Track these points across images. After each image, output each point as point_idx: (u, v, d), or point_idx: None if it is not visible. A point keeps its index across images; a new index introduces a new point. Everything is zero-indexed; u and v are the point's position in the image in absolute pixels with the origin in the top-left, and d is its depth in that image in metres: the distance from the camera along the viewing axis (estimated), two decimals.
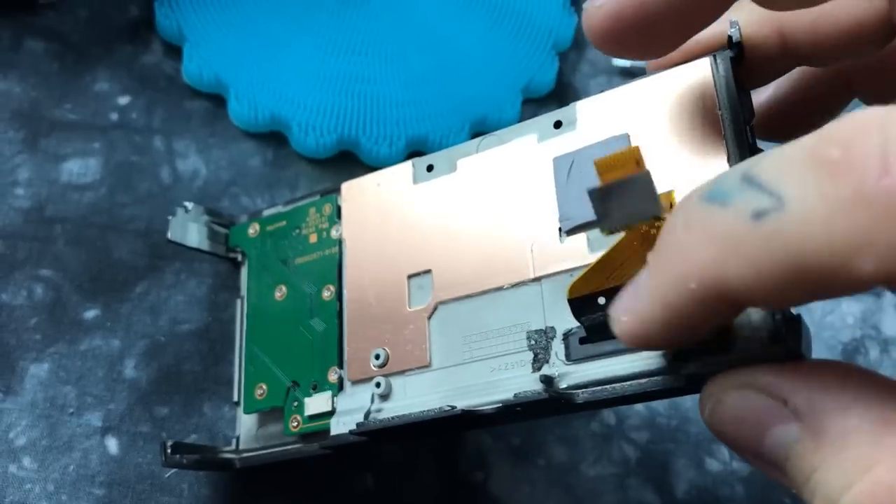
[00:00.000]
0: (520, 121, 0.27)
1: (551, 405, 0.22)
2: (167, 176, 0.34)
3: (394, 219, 0.27)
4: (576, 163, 0.22)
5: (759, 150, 0.21)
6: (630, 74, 0.40)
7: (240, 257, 0.31)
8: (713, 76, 0.22)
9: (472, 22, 0.38)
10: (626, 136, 0.22)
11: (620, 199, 0.18)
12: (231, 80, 0.35)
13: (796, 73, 0.24)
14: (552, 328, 0.23)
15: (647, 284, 0.17)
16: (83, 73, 0.35)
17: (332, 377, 0.26)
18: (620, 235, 0.21)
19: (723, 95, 0.22)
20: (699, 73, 0.23)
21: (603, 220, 0.19)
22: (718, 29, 0.22)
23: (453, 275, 0.25)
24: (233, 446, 0.28)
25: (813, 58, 0.22)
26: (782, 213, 0.14)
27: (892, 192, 0.13)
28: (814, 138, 0.14)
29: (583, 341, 0.22)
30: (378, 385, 0.25)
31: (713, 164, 0.22)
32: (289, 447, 0.27)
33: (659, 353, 0.21)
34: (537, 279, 0.24)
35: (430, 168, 0.27)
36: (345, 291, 0.27)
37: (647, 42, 0.21)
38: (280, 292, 0.29)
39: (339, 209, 0.28)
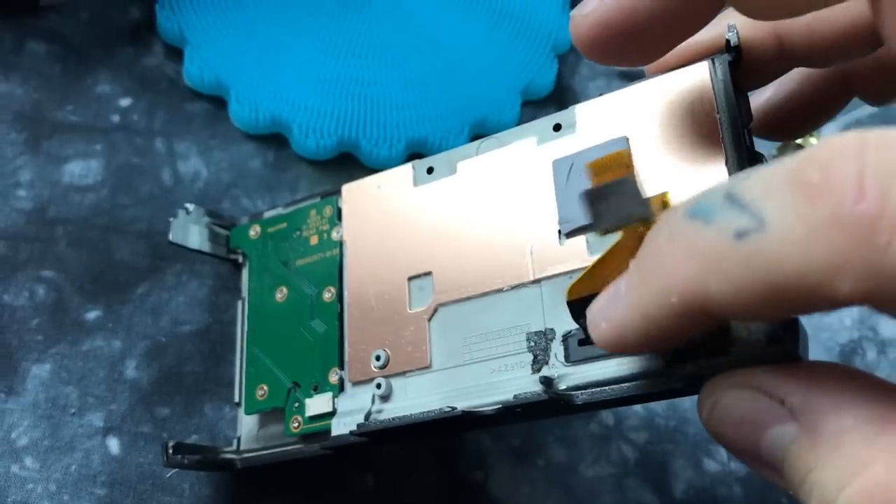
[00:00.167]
0: (519, 123, 0.27)
1: (551, 406, 0.22)
2: (168, 177, 0.34)
3: (394, 221, 0.27)
4: (575, 165, 0.22)
5: (757, 153, 0.22)
6: (629, 77, 0.40)
7: (241, 259, 0.31)
8: (711, 80, 0.22)
9: (472, 24, 0.39)
10: (625, 139, 0.22)
11: (611, 200, 0.19)
12: (232, 83, 0.35)
13: (796, 73, 0.25)
14: (552, 330, 0.23)
15: (626, 293, 0.18)
16: (85, 75, 0.35)
17: (333, 378, 0.26)
18: (618, 237, 0.21)
19: (721, 99, 0.22)
20: (697, 76, 0.23)
21: (596, 221, 0.19)
22: (716, 32, 0.22)
23: (453, 277, 0.25)
24: (234, 447, 0.28)
25: (809, 59, 0.23)
26: (763, 234, 0.15)
27: (867, 216, 0.14)
28: (794, 161, 0.15)
29: (582, 343, 0.22)
30: (379, 386, 0.25)
31: (711, 167, 0.22)
32: (289, 448, 0.27)
33: (657, 354, 0.21)
34: (537, 281, 0.24)
35: (430, 170, 0.27)
36: (345, 293, 0.27)
37: (634, 50, 0.21)
38: (281, 294, 0.29)
39: (339, 211, 0.29)
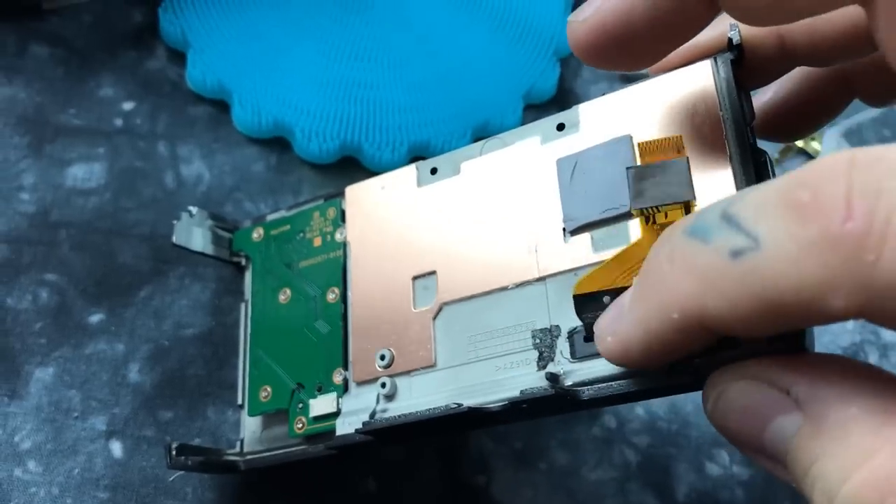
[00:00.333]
0: None
1: (557, 402, 0.22)
2: (171, 181, 0.34)
3: (398, 221, 0.27)
4: (579, 164, 0.22)
5: (760, 151, 0.22)
6: (631, 80, 0.40)
7: (244, 261, 0.31)
8: (714, 78, 0.22)
9: (474, 28, 0.39)
10: (629, 138, 0.22)
11: (656, 180, 0.19)
12: (235, 86, 0.35)
13: (797, 74, 0.25)
14: (557, 327, 0.23)
15: (630, 308, 0.18)
16: (88, 79, 0.35)
17: (337, 379, 0.26)
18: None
19: (724, 97, 0.22)
20: (700, 75, 0.23)
21: (636, 198, 0.20)
22: (718, 31, 0.23)
23: (458, 276, 0.25)
24: (237, 449, 0.28)
25: (811, 59, 0.23)
26: (758, 253, 0.15)
27: (855, 234, 0.14)
28: (786, 180, 0.15)
29: (587, 339, 0.22)
30: (383, 385, 0.25)
31: (715, 165, 0.22)
32: (293, 449, 0.27)
33: None
34: (542, 279, 0.24)
35: (433, 171, 0.27)
36: (349, 293, 0.27)
37: (630, 54, 0.21)
38: (284, 295, 0.29)
39: (343, 213, 0.29)
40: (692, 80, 0.23)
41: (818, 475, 0.16)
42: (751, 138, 0.22)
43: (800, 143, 0.41)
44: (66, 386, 0.29)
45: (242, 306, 0.30)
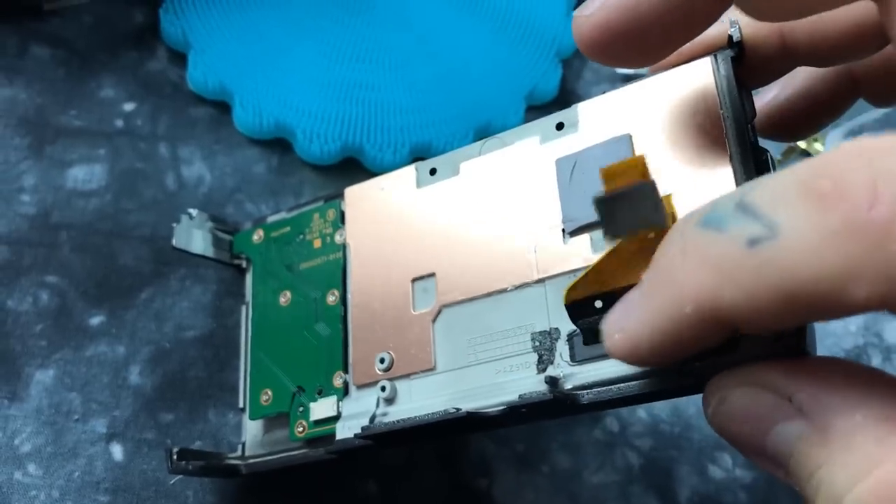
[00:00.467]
0: None
1: (556, 406, 0.22)
2: (172, 182, 0.34)
3: (397, 223, 0.27)
4: (578, 164, 0.22)
5: (761, 149, 0.22)
6: (632, 80, 0.40)
7: (244, 263, 0.31)
8: (714, 76, 0.22)
9: (476, 29, 0.39)
10: (629, 137, 0.22)
11: (625, 207, 0.19)
12: (236, 87, 0.35)
13: (801, 73, 0.24)
14: (556, 329, 0.23)
15: (640, 304, 0.18)
16: (88, 80, 0.35)
17: (338, 382, 0.26)
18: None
19: (724, 94, 0.22)
20: (700, 72, 0.23)
21: (607, 227, 0.19)
22: (719, 29, 0.22)
23: (457, 278, 0.25)
24: (238, 452, 0.28)
25: (813, 58, 0.22)
26: (776, 242, 0.15)
27: (881, 222, 0.14)
28: (805, 167, 0.15)
29: (587, 342, 0.22)
30: (383, 389, 0.25)
31: (715, 164, 0.22)
32: (295, 452, 0.27)
33: None
34: (541, 281, 0.24)
35: (433, 171, 0.27)
36: (349, 296, 0.27)
37: (636, 51, 0.21)
38: (285, 298, 0.29)
39: (342, 214, 0.28)
40: (692, 78, 0.23)
41: (822, 482, 0.15)
42: (751, 136, 0.22)
43: (802, 145, 0.40)
44: (66, 388, 0.29)
45: (243, 309, 0.30)
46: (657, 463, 0.33)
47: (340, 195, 0.29)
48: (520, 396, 0.22)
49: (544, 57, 0.39)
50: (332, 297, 0.27)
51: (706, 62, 0.23)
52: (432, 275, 0.26)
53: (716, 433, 0.19)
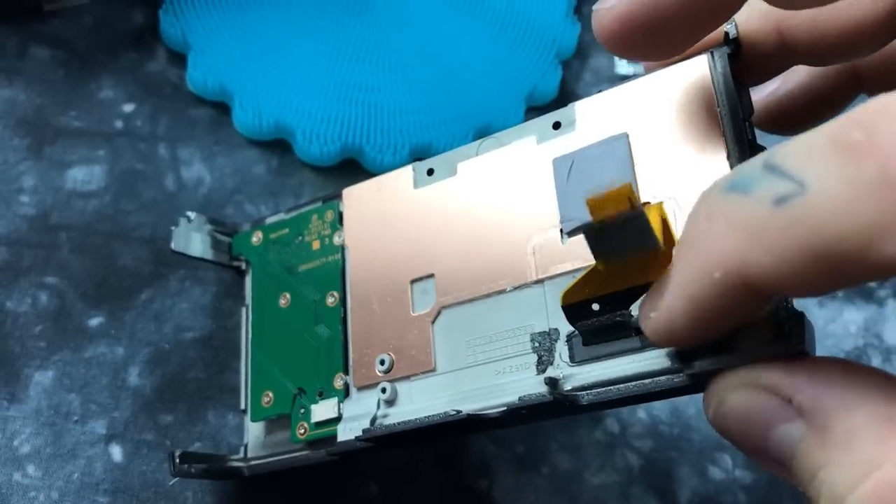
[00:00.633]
0: None
1: (556, 407, 0.22)
2: (172, 183, 0.34)
3: (395, 224, 0.27)
4: (576, 163, 0.22)
5: (759, 146, 0.22)
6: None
7: (244, 265, 0.31)
8: (711, 73, 0.22)
9: (476, 30, 0.39)
10: (626, 136, 0.22)
11: (615, 236, 0.19)
12: (235, 88, 0.35)
13: (802, 67, 0.24)
14: (556, 330, 0.23)
15: (670, 279, 0.17)
16: (88, 81, 0.35)
17: (338, 383, 0.26)
18: None
19: (721, 92, 0.22)
20: (697, 70, 0.23)
21: (598, 254, 0.19)
22: None
23: (456, 279, 0.25)
24: (241, 454, 0.28)
25: (811, 56, 0.22)
26: (804, 198, 0.14)
27: None
28: (835, 123, 0.14)
29: (586, 343, 0.22)
30: (384, 391, 0.25)
31: (713, 161, 0.22)
32: (296, 454, 0.27)
33: (663, 352, 0.21)
34: (539, 281, 0.24)
35: (430, 172, 0.27)
36: (349, 297, 0.27)
37: (657, 43, 0.21)
38: (284, 300, 0.29)
39: (340, 215, 0.28)
40: (689, 76, 0.23)
41: (824, 483, 0.15)
42: (749, 133, 0.22)
43: None
44: (65, 389, 0.29)
45: (243, 311, 0.30)
46: (657, 464, 0.33)
47: (338, 196, 0.29)
48: (520, 398, 0.22)
49: (544, 58, 0.39)
50: (331, 299, 0.27)
51: (703, 59, 0.22)
52: (431, 276, 0.26)
53: (717, 434, 0.19)
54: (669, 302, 0.17)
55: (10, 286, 0.30)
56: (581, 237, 0.23)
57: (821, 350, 0.36)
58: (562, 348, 0.23)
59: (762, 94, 0.25)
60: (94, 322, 0.31)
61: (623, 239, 0.19)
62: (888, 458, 0.15)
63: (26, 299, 0.30)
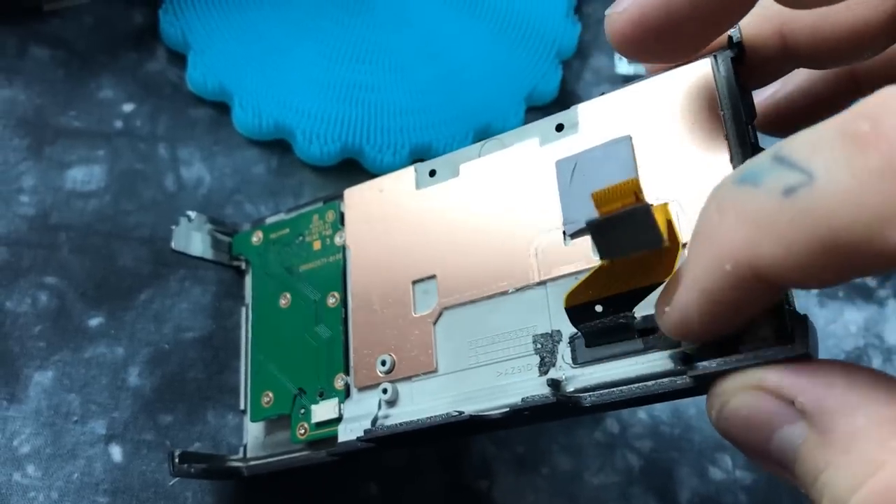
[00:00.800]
0: None
1: (559, 409, 0.22)
2: (171, 183, 0.34)
3: (397, 224, 0.27)
4: (578, 166, 0.22)
5: (761, 150, 0.22)
6: (633, 82, 0.40)
7: (244, 265, 0.31)
8: (714, 76, 0.22)
9: (476, 30, 0.39)
10: (629, 138, 0.22)
11: (620, 231, 0.19)
12: (235, 88, 0.35)
13: (802, 70, 0.24)
14: (558, 331, 0.23)
15: (684, 273, 0.17)
16: (88, 81, 0.35)
17: (339, 384, 0.26)
18: None
19: (724, 95, 0.22)
20: (700, 73, 0.23)
21: (601, 250, 0.19)
22: None
23: (458, 280, 0.25)
24: (240, 454, 0.28)
25: (813, 60, 0.22)
26: (811, 188, 0.14)
27: None
28: (843, 115, 0.15)
29: (588, 345, 0.22)
30: (385, 391, 0.25)
31: (716, 164, 0.22)
32: (296, 455, 0.27)
33: (666, 354, 0.21)
34: (542, 283, 0.24)
35: (432, 173, 0.27)
36: (349, 298, 0.27)
37: (668, 46, 0.21)
38: (285, 300, 0.29)
39: (342, 216, 0.28)
40: (692, 79, 0.23)
41: (827, 485, 0.15)
42: (752, 137, 0.22)
43: None
44: (65, 390, 0.29)
45: (243, 311, 0.30)
46: (657, 464, 0.33)
47: (339, 196, 0.29)
48: (522, 399, 0.22)
49: (544, 58, 0.39)
50: (332, 300, 0.27)
51: (706, 63, 0.23)
52: (433, 277, 0.25)
53: (718, 434, 0.19)
54: (683, 296, 0.17)
55: (9, 286, 0.30)
56: (584, 239, 0.23)
57: (821, 350, 0.36)
58: (564, 350, 0.23)
59: (762, 96, 0.25)
60: (94, 322, 0.31)
61: (628, 235, 0.19)
62: (889, 459, 0.15)
63: (26, 299, 0.30)
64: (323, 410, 0.26)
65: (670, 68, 0.23)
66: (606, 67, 0.41)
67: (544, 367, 0.23)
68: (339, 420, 0.26)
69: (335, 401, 0.26)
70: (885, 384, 0.16)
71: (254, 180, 0.35)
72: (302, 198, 0.35)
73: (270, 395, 0.28)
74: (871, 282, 0.38)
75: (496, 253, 0.25)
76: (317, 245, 0.29)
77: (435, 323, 0.25)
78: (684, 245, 0.21)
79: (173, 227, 0.29)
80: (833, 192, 0.14)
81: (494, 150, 0.26)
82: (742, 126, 0.22)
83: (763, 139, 0.22)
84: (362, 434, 0.24)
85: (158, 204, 0.33)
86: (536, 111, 0.39)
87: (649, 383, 0.21)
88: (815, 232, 0.14)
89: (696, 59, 0.23)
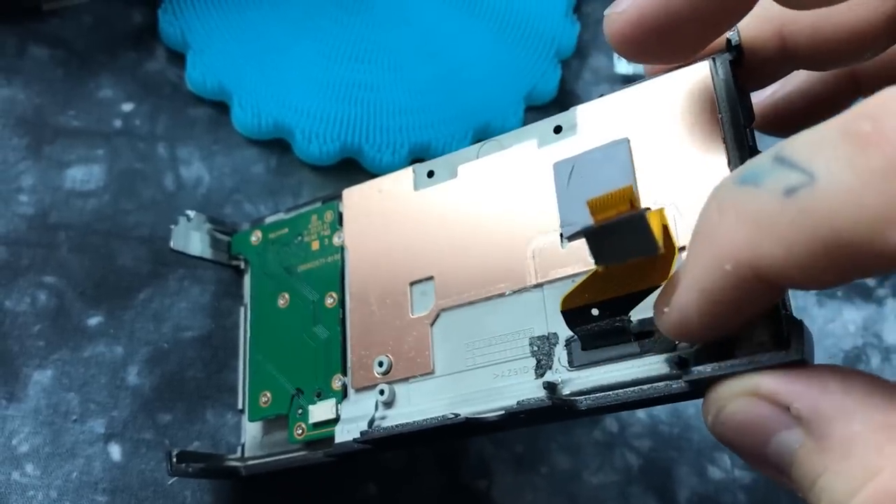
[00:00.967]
0: None
1: (555, 412, 0.22)
2: (171, 183, 0.34)
3: (395, 225, 0.27)
4: (576, 168, 0.22)
5: (760, 153, 0.22)
6: (632, 82, 0.40)
7: (243, 265, 0.31)
8: (712, 79, 0.22)
9: (475, 30, 0.39)
10: (627, 141, 0.22)
11: (616, 238, 0.19)
12: (234, 88, 0.35)
13: (801, 71, 0.24)
14: (554, 334, 0.23)
15: (683, 273, 0.17)
16: (87, 80, 0.35)
17: (336, 384, 0.26)
18: None
19: (722, 98, 0.22)
20: (698, 75, 0.23)
21: (597, 257, 0.19)
22: None
23: (455, 281, 0.25)
24: (238, 454, 0.28)
25: (812, 61, 0.22)
26: (813, 188, 0.14)
27: None
28: (844, 115, 0.15)
29: (585, 347, 0.22)
30: (382, 392, 0.25)
31: (713, 167, 0.22)
32: (294, 455, 0.27)
33: (662, 358, 0.21)
34: (539, 285, 0.24)
35: (430, 174, 0.27)
36: (347, 298, 0.27)
37: (667, 47, 0.21)
38: (283, 300, 0.29)
39: (340, 216, 0.28)
40: (690, 81, 0.23)
41: (824, 490, 0.15)
42: (750, 140, 0.22)
43: None
44: (64, 389, 0.29)
45: (242, 310, 0.30)
46: (656, 464, 0.33)
47: (338, 196, 0.29)
48: (518, 402, 0.22)
49: (543, 57, 0.38)
50: (330, 300, 0.27)
51: (704, 65, 0.22)
52: (430, 278, 0.25)
53: (716, 441, 0.19)
54: (682, 296, 0.17)
55: (8, 285, 0.30)
56: (581, 242, 0.23)
57: (820, 349, 0.36)
58: (560, 353, 0.23)
59: (760, 97, 0.25)
60: (93, 321, 0.31)
61: (623, 242, 0.19)
62: (886, 465, 0.15)
63: (25, 299, 0.30)
64: (320, 411, 0.26)
65: (669, 69, 0.23)
66: (605, 67, 0.41)
67: (540, 369, 0.23)
68: (336, 421, 0.26)
69: (332, 401, 0.26)
70: (881, 389, 0.16)
71: (253, 180, 0.35)
72: (301, 197, 0.35)
73: (268, 394, 0.28)
74: (869, 281, 0.38)
75: (493, 255, 0.25)
76: (315, 245, 0.29)
77: (432, 324, 0.25)
78: (681, 249, 0.21)
79: (172, 226, 0.29)
80: (834, 192, 0.14)
81: (493, 152, 0.26)
82: (740, 129, 0.22)
83: (762, 140, 0.22)
84: (359, 435, 0.24)
85: (157, 203, 0.33)
86: (535, 110, 0.39)
87: (645, 387, 0.21)
88: (816, 232, 0.14)
89: (696, 60, 0.23)
